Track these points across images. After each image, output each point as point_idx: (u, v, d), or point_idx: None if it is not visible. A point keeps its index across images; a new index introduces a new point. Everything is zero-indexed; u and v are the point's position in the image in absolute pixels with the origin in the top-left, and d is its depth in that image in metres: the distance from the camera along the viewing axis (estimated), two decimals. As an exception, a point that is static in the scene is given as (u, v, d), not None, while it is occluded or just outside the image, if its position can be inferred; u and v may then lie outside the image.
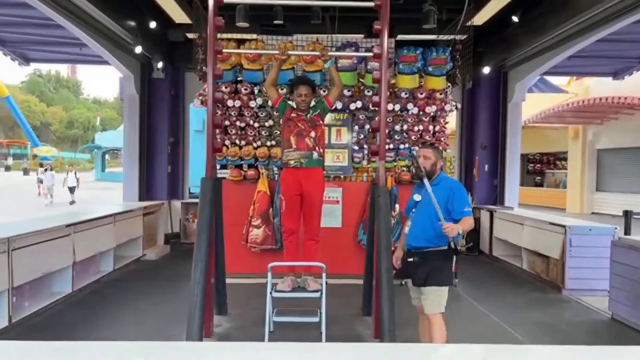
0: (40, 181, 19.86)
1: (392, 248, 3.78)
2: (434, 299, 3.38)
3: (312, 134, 4.35)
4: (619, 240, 5.10)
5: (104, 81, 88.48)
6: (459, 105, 6.88)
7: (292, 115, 4.42)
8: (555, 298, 5.74)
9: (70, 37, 7.18)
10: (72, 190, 18.98)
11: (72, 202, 18.39)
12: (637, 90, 12.57)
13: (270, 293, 3.95)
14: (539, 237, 6.48)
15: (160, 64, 8.22)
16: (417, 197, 3.48)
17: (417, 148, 3.65)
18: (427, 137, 6.44)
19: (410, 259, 3.45)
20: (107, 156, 39.44)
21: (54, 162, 27.37)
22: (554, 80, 15.18)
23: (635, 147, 15.37)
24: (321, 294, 3.93)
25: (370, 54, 4.37)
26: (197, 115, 10.52)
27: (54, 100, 56.46)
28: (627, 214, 5.62)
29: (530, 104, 12.09)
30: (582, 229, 5.93)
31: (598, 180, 17.17)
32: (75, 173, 19.55)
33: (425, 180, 3.39)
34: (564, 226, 5.94)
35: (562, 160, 20.21)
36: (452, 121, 8.73)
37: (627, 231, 5.47)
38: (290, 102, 4.63)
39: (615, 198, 15.73)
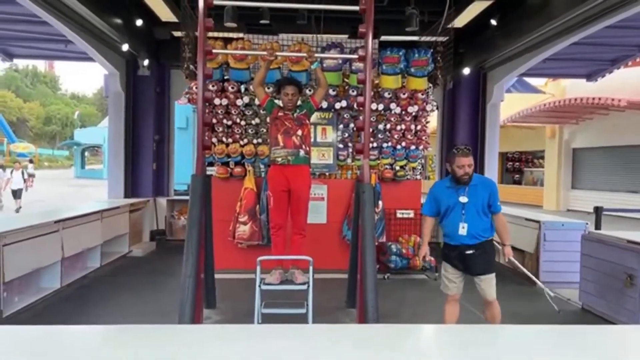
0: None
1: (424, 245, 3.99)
2: (493, 285, 3.76)
3: (299, 132, 4.50)
4: (588, 234, 5.37)
5: (82, 76, 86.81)
6: (435, 104, 7.07)
7: (280, 114, 4.56)
8: (529, 290, 5.99)
9: (56, 33, 7.17)
10: (16, 194, 14.52)
11: (18, 209, 14.16)
12: (611, 92, 13.03)
13: (259, 286, 4.10)
14: (515, 232, 6.72)
15: (146, 62, 8.27)
16: (463, 199, 3.68)
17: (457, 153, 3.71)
18: (408, 136, 6.65)
19: (470, 252, 3.71)
20: (86, 153, 38.77)
21: (33, 159, 26.52)
22: (532, 81, 15.58)
23: (609, 147, 15.92)
24: (308, 286, 4.09)
25: (356, 56, 4.54)
26: (180, 113, 10.56)
27: (30, 95, 55.20)
28: (597, 210, 5.93)
29: (509, 104, 12.43)
30: (555, 224, 6.21)
31: (573, 178, 17.72)
32: (22, 172, 15.08)
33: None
34: (538, 221, 6.21)
35: (539, 159, 20.75)
36: (433, 120, 8.98)
37: (597, 226, 5.76)
38: (277, 102, 4.77)
39: (589, 195, 16.27)
